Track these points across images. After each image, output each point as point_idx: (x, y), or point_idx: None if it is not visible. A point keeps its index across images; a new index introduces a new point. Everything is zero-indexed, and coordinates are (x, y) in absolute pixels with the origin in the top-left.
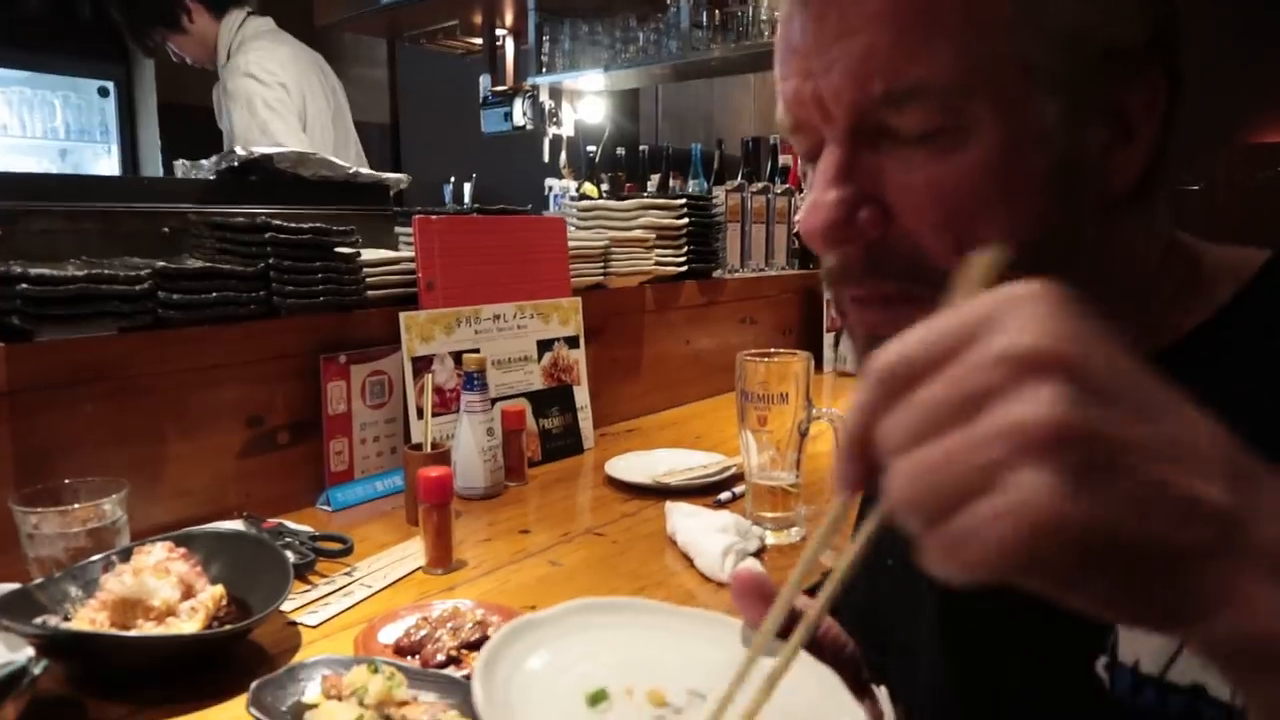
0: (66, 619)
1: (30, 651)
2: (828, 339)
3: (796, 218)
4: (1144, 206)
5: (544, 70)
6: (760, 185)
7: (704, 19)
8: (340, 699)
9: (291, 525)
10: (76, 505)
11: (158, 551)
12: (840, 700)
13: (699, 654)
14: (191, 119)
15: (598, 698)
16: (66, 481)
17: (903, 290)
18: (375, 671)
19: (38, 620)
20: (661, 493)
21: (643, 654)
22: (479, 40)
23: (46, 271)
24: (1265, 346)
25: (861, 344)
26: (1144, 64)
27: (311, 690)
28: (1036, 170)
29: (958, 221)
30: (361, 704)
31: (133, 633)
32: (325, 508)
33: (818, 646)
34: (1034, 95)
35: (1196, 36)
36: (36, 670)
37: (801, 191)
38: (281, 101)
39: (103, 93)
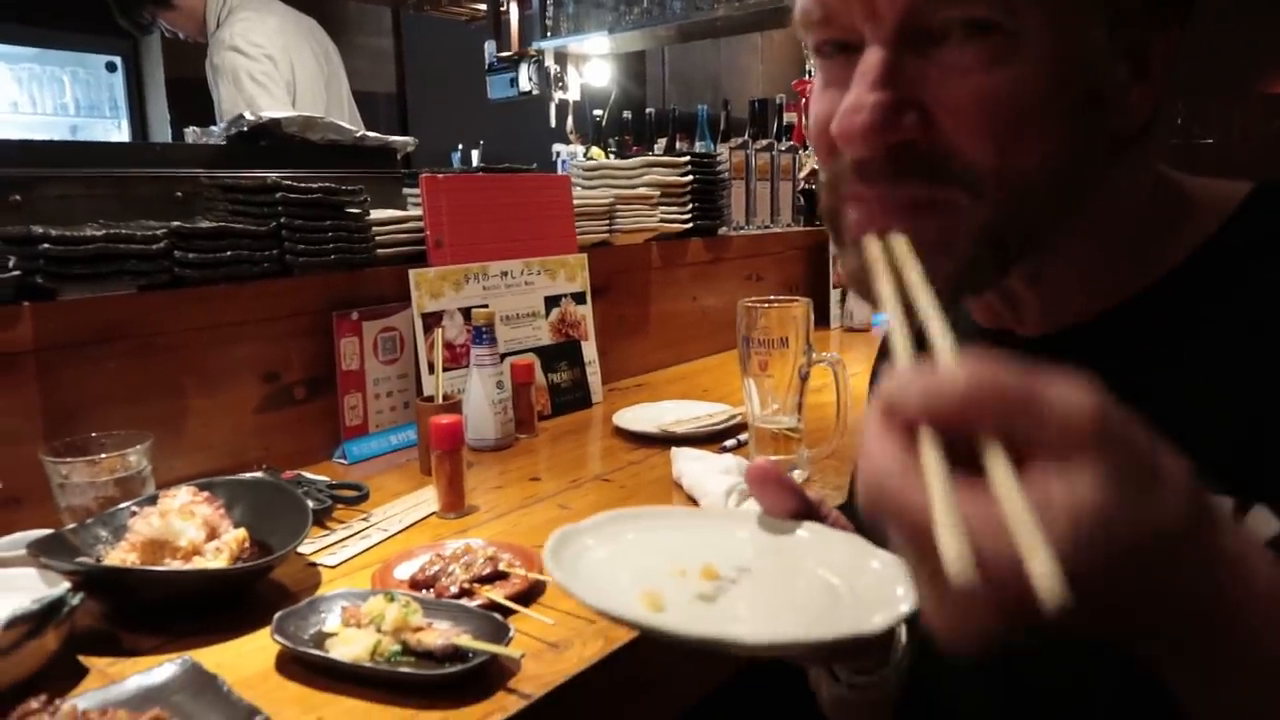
0: (99, 560)
1: (68, 585)
2: (834, 294)
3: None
4: (1142, 148)
5: (549, 35)
6: (765, 143)
7: None
8: (359, 627)
9: (309, 475)
10: (104, 456)
11: (183, 495)
12: (861, 545)
13: (729, 537)
14: (199, 92)
15: (653, 597)
16: (94, 434)
17: (931, 194)
18: (392, 600)
19: (74, 560)
20: (668, 441)
21: (683, 545)
22: (483, 6)
23: (67, 232)
24: (1252, 274)
25: (858, 245)
26: (1175, 10)
27: (332, 620)
28: (1074, 94)
29: (999, 130)
30: (379, 630)
31: (161, 567)
32: (341, 461)
33: None
34: (1084, 19)
35: None
36: (74, 600)
37: (806, 148)
38: (268, 74)
39: (110, 68)
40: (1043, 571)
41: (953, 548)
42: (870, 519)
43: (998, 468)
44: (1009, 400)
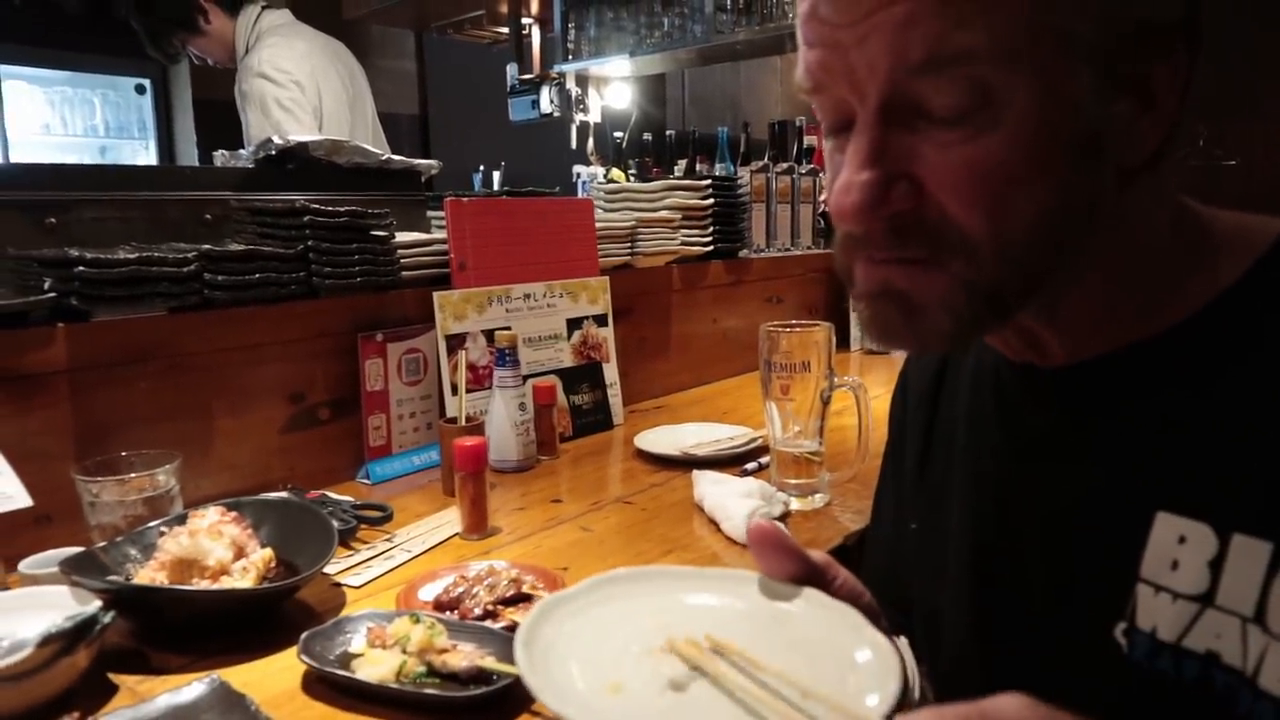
0: (128, 579)
1: (99, 604)
2: (854, 317)
3: (822, 197)
4: (1156, 175)
5: (570, 57)
6: (785, 166)
7: (727, 3)
8: (384, 648)
9: (334, 496)
10: (133, 475)
11: (211, 515)
12: (856, 626)
13: (725, 608)
14: (226, 114)
15: (616, 688)
16: (123, 453)
17: (930, 256)
18: (417, 622)
19: (104, 578)
20: (689, 464)
21: (670, 614)
22: (505, 29)
23: (101, 255)
24: None
25: (873, 301)
26: (1173, 37)
27: (358, 641)
28: (1066, 140)
29: (989, 199)
30: (404, 651)
31: (190, 587)
32: (365, 481)
33: (833, 595)
34: (1070, 65)
35: (1234, 8)
36: (106, 619)
37: (824, 171)
38: (295, 101)
39: (140, 90)
40: None
41: None
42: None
43: None
44: None
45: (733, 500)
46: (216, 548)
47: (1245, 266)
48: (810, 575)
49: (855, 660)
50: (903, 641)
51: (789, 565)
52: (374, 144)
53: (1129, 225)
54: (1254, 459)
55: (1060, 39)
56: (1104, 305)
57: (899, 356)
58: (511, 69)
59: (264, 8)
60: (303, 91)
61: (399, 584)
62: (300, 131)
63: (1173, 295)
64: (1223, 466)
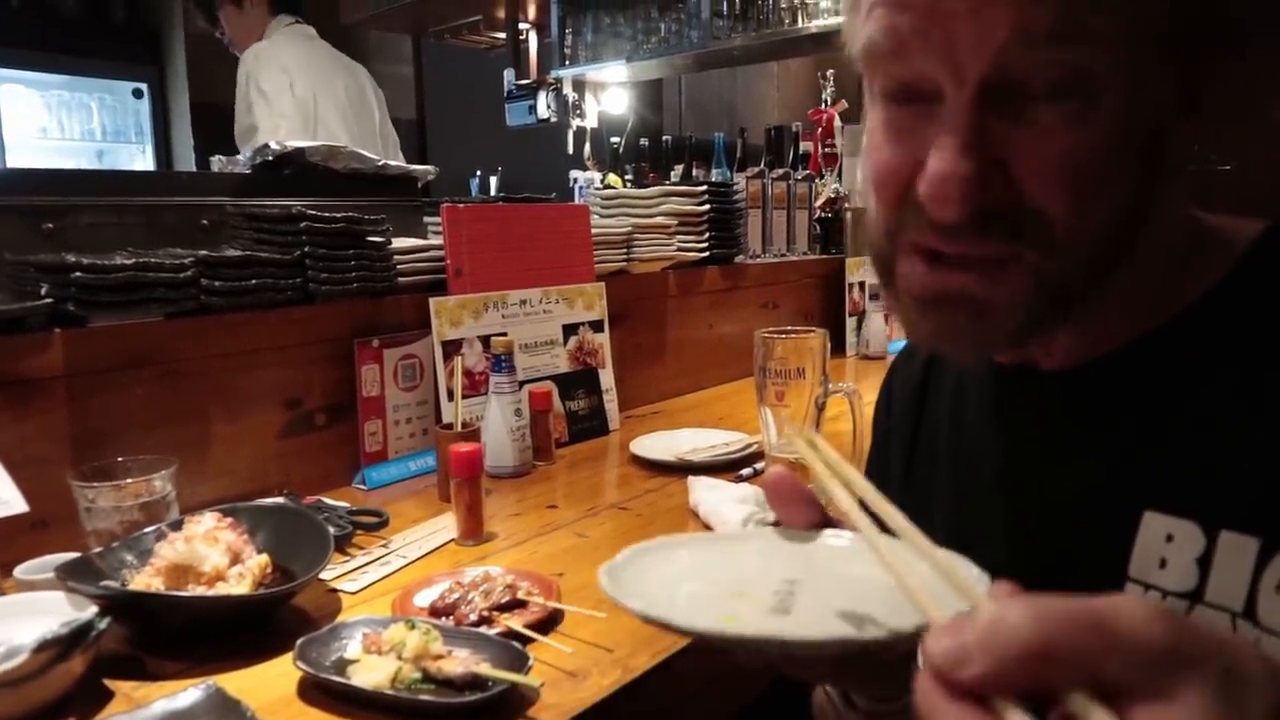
0: (124, 585)
1: (95, 610)
2: (849, 322)
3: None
4: (1183, 175)
5: (567, 63)
6: (781, 171)
7: (724, 8)
8: (380, 654)
9: (330, 501)
10: (129, 480)
11: (208, 520)
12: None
13: (766, 555)
14: (222, 117)
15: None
16: (120, 459)
17: (1007, 248)
18: (413, 628)
19: (100, 584)
20: (685, 469)
21: (725, 568)
22: (502, 35)
23: (98, 260)
24: (1266, 312)
25: (933, 307)
26: (1228, 37)
27: (353, 646)
28: (1143, 137)
29: (1083, 189)
30: (400, 657)
31: (186, 593)
32: (361, 486)
33: None
34: (1156, 66)
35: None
36: (101, 625)
37: (822, 177)
38: (276, 88)
39: (137, 94)
40: None
41: None
42: None
43: (1099, 718)
44: (1085, 646)
45: (727, 506)
46: (212, 553)
47: (1227, 268)
48: (825, 524)
49: (918, 567)
50: None
51: (809, 514)
52: (392, 154)
53: (1157, 225)
54: (1239, 456)
55: (1154, 40)
56: (1120, 304)
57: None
58: (509, 74)
59: (296, 21)
60: (290, 86)
61: (395, 590)
62: (269, 118)
63: (1170, 295)
64: (1208, 464)
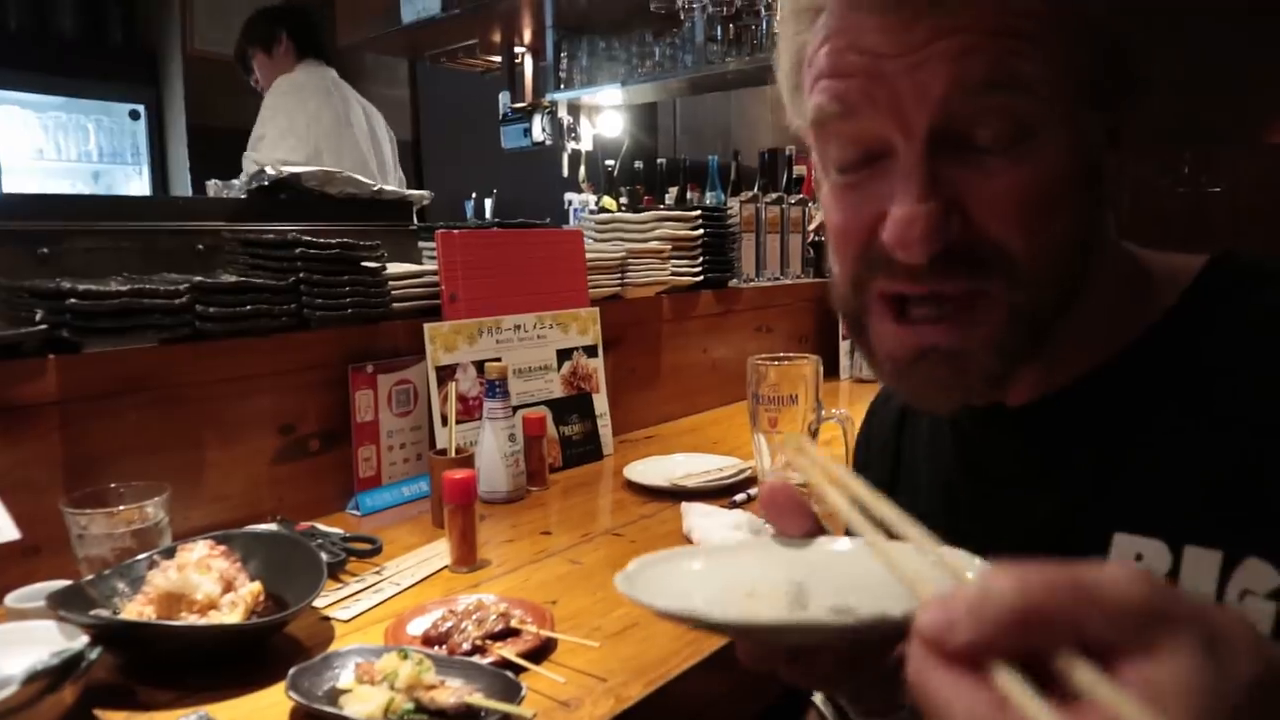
0: (115, 613)
1: (86, 639)
2: (843, 346)
3: (811, 226)
4: (1112, 209)
5: (562, 86)
6: (775, 195)
7: (718, 33)
8: (373, 683)
9: (323, 528)
10: (122, 507)
11: (200, 548)
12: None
13: (770, 559)
14: (219, 140)
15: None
16: (113, 485)
17: (973, 285)
18: (405, 658)
19: (91, 613)
20: (678, 495)
21: (735, 573)
22: (498, 58)
23: (93, 287)
24: (1211, 339)
25: (911, 367)
26: (1140, 83)
27: (346, 676)
28: (1080, 171)
29: (1033, 219)
30: (393, 687)
31: (178, 622)
32: (354, 512)
33: None
34: (1086, 105)
35: (1218, 37)
36: (92, 655)
37: (814, 201)
38: (274, 107)
39: (134, 116)
40: None
41: None
42: None
43: (1087, 676)
44: (1069, 607)
45: (720, 533)
46: (205, 582)
47: (1172, 300)
48: (822, 533)
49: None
50: None
51: (804, 522)
52: (394, 179)
53: (1105, 256)
54: (1195, 475)
55: (1082, 85)
56: (1076, 337)
57: None
58: (504, 97)
59: (321, 64)
60: (289, 113)
61: (388, 617)
62: (270, 134)
63: (1120, 329)
64: (1168, 485)
